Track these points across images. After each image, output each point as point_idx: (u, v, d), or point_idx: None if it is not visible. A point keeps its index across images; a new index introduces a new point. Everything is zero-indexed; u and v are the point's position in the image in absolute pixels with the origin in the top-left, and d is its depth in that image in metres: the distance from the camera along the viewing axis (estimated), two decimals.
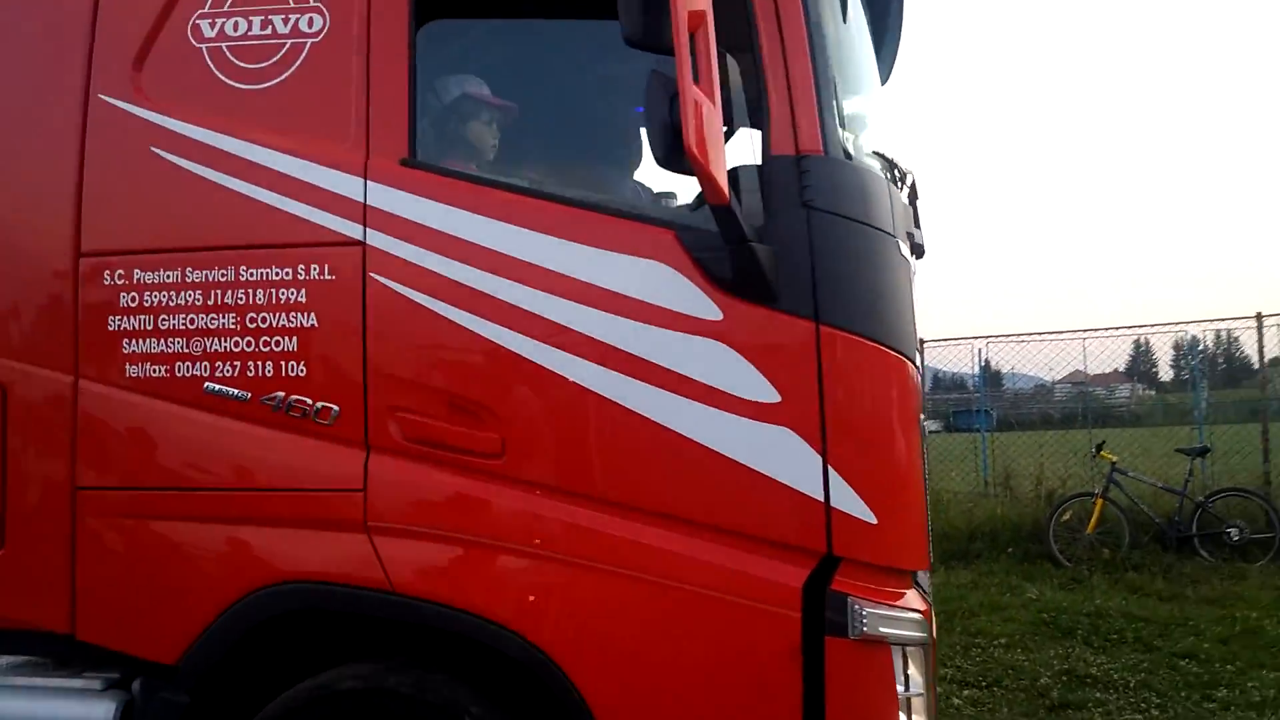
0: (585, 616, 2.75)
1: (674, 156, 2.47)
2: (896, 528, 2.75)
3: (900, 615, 2.70)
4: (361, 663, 2.86)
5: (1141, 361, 18.19)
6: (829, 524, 2.65)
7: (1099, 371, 16.55)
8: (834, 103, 2.76)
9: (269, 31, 3.02)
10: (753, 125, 2.86)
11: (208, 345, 2.97)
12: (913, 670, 2.73)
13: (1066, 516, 10.99)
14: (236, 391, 2.94)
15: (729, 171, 2.59)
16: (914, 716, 2.72)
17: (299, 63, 2.99)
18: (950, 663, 6.90)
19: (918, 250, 3.22)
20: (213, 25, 3.05)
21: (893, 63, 3.89)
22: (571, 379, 2.77)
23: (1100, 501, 10.89)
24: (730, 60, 2.66)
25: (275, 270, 2.94)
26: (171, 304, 2.99)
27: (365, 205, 2.89)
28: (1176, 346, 15.20)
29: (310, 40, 3.00)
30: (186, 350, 2.98)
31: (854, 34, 3.25)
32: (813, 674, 2.63)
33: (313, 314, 2.91)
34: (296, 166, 2.94)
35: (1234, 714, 5.85)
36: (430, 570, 2.82)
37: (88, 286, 3.06)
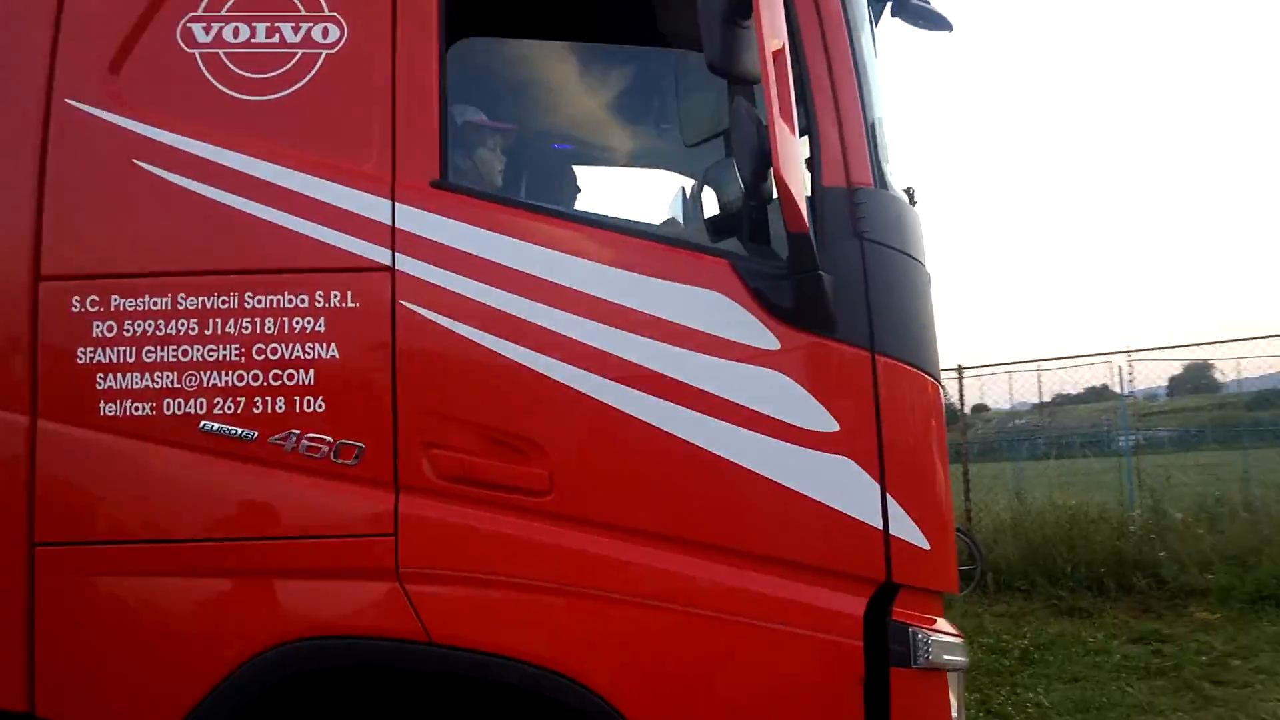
0: (645, 657, 2.63)
1: (757, 182, 2.47)
2: (944, 552, 2.80)
3: (954, 641, 2.75)
4: None
5: None
6: (888, 551, 2.67)
7: None
8: (880, 135, 2.83)
9: (276, 40, 2.79)
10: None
11: (204, 380, 2.67)
12: (958, 692, 2.78)
13: None
14: (240, 430, 2.65)
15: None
16: None
17: (312, 75, 2.78)
18: None
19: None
20: (207, 30, 2.79)
21: None
22: (623, 409, 2.67)
23: None
24: None
25: (288, 296, 2.68)
26: (159, 334, 2.67)
27: (393, 228, 2.70)
28: None
29: (325, 51, 2.79)
30: (178, 385, 2.67)
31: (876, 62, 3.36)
32: (875, 704, 2.62)
33: (333, 344, 2.67)
34: (313, 186, 2.72)
35: None
36: (472, 617, 2.61)
37: (49, 314, 2.69)
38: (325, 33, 2.80)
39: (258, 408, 2.66)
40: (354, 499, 2.65)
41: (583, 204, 3.47)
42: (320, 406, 2.66)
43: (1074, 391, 17.66)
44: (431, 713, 2.73)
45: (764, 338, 2.69)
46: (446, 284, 2.69)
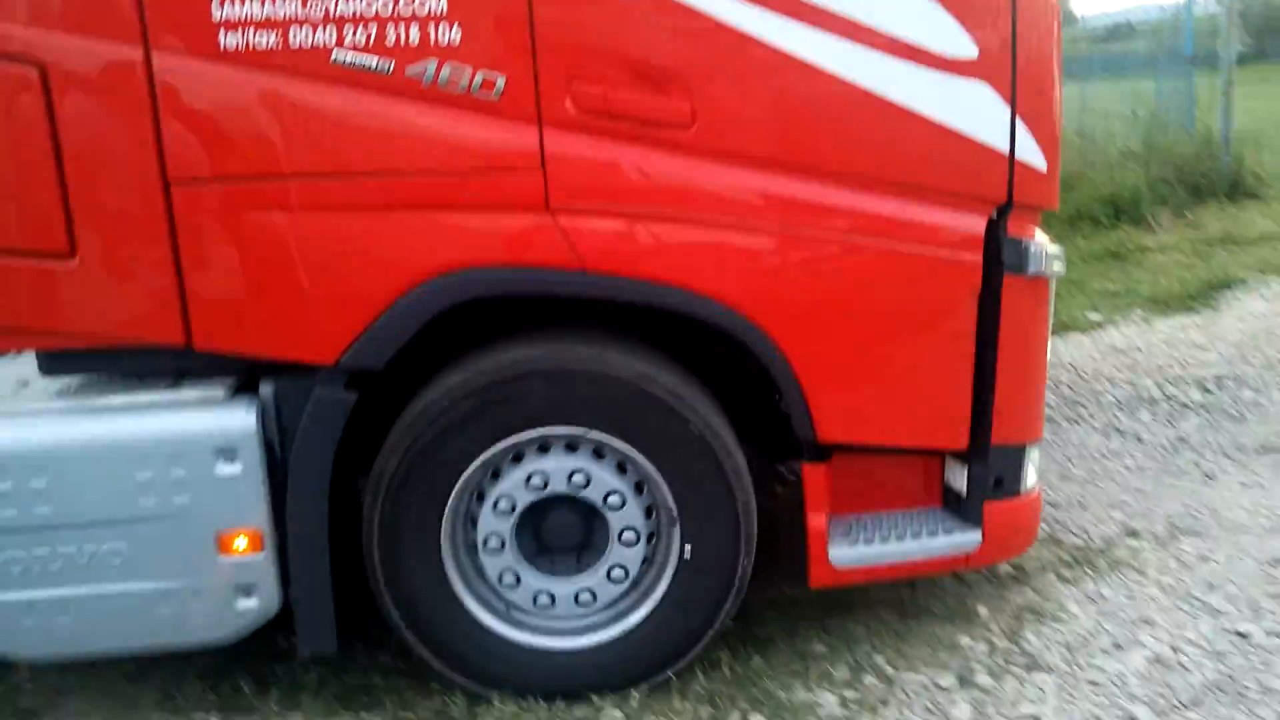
0: (782, 279, 2.81)
1: None
2: (1054, 172, 2.94)
3: (1056, 251, 2.99)
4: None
5: None
6: (1011, 173, 2.82)
7: None
8: None
9: None
10: None
11: (332, 7, 2.52)
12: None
13: None
14: (375, 62, 2.56)
15: None
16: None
17: None
18: None
19: None
20: None
21: None
22: (758, 37, 2.63)
23: None
24: None
25: None
26: None
27: None
28: None
29: None
30: (304, 14, 2.52)
31: None
32: (988, 309, 2.90)
33: None
34: None
35: None
36: (623, 247, 2.74)
37: None
38: None
39: (390, 38, 2.55)
40: (499, 133, 2.64)
41: None
42: (457, 37, 2.56)
43: None
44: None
45: None
46: None
